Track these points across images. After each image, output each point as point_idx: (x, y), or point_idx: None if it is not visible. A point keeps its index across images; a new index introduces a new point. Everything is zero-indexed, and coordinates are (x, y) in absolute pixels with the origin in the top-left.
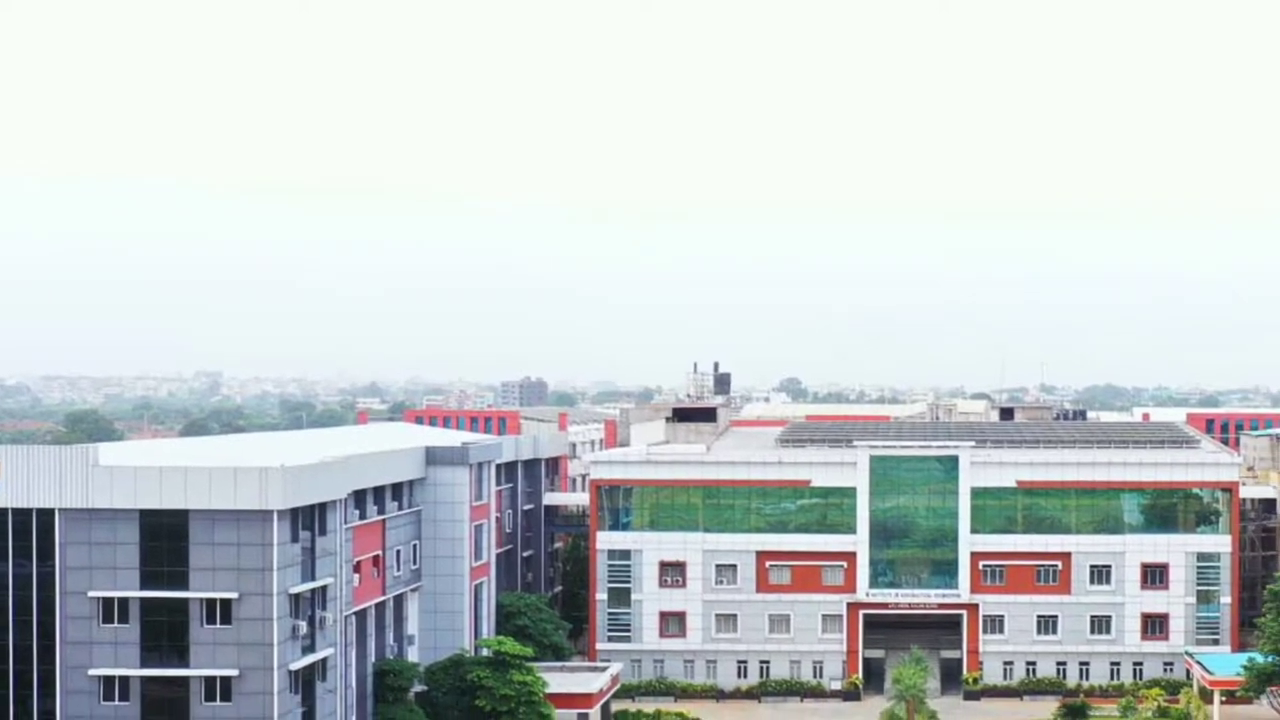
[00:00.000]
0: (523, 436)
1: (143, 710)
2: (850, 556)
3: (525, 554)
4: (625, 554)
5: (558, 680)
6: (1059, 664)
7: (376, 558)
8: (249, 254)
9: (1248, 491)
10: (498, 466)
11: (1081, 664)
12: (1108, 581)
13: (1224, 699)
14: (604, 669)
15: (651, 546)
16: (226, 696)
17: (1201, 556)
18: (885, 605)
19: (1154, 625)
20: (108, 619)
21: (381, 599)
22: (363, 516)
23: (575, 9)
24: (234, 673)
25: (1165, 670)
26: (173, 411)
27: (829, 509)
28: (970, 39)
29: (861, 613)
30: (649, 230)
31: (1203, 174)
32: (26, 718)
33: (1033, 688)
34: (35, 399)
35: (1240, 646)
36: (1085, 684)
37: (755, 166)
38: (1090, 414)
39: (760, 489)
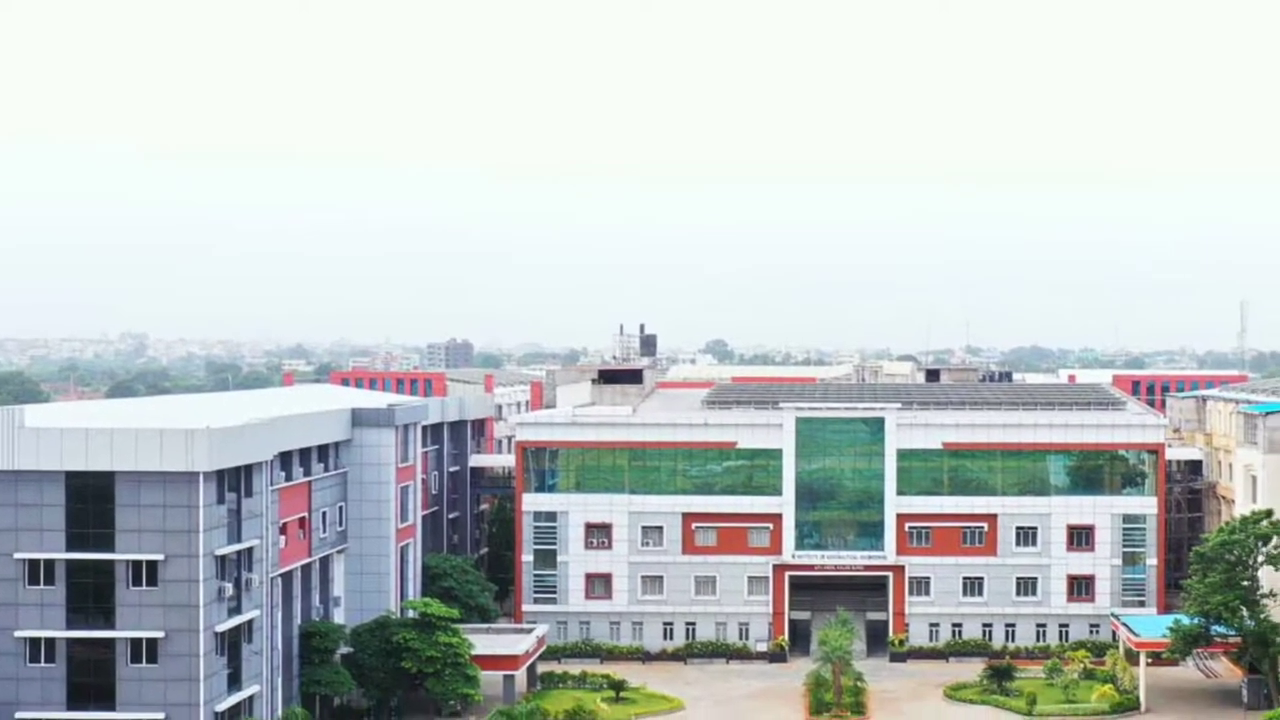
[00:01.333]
0: (449, 398)
1: (69, 672)
2: (776, 518)
3: (451, 516)
4: (551, 516)
5: (484, 642)
6: (985, 626)
7: (302, 519)
8: (175, 216)
9: (1173, 453)
10: (424, 428)
11: (1007, 626)
12: (1034, 543)
13: (1150, 661)
14: (530, 631)
15: (577, 508)
16: (153, 658)
17: (1127, 518)
18: (811, 567)
19: (1080, 587)
20: (33, 581)
21: (307, 561)
22: (289, 478)
23: None
24: (160, 634)
25: (1091, 632)
26: (99, 373)
27: (755, 471)
28: (889, 2)
29: (787, 574)
30: (574, 192)
31: (1128, 137)
32: None
33: (959, 649)
34: None
35: (1166, 608)
36: (1011, 646)
37: (679, 129)
38: (1016, 376)
39: (686, 451)
